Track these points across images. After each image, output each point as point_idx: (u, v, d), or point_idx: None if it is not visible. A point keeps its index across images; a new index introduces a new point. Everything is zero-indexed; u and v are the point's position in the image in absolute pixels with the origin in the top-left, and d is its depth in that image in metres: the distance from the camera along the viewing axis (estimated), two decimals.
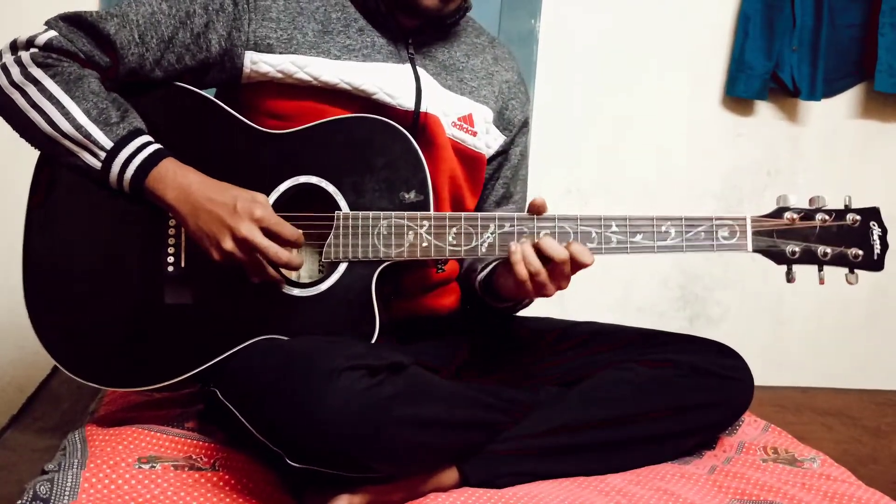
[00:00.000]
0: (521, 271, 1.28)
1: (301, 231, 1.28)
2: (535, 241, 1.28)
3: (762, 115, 2.67)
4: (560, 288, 1.31)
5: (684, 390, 1.39)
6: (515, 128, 1.59)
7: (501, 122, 1.57)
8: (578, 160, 2.60)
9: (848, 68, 2.66)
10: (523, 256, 1.28)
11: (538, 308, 1.57)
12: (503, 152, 1.59)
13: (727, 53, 2.60)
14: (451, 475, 1.28)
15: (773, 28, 2.54)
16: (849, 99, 2.71)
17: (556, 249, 1.26)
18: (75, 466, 1.21)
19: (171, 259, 1.33)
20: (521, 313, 1.59)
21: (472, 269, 1.53)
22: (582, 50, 2.57)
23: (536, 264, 1.28)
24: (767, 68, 2.55)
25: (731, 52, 2.59)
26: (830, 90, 2.66)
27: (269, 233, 1.26)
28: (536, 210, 1.31)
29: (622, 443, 1.36)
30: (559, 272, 1.28)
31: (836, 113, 2.70)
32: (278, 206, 1.32)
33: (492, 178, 1.59)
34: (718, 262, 2.67)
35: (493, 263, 1.46)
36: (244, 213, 1.25)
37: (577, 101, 2.58)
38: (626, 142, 2.62)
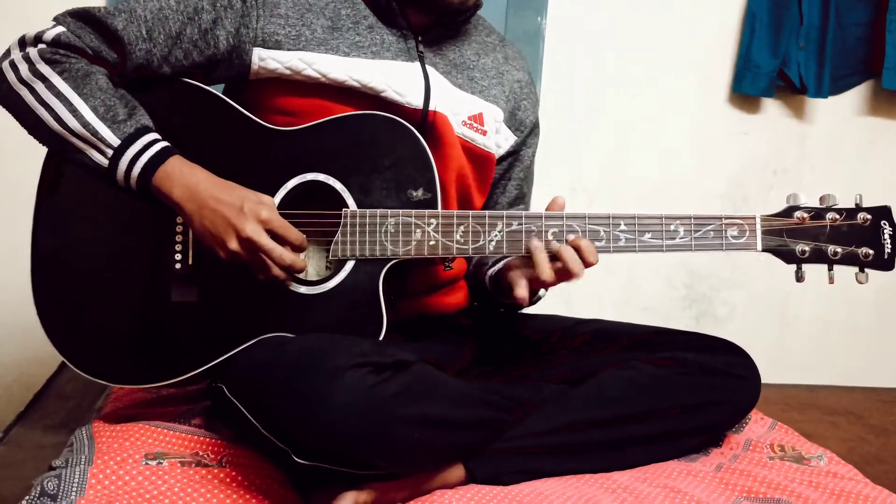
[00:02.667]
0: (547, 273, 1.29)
1: (305, 236, 1.28)
2: (557, 246, 1.29)
3: (769, 113, 2.66)
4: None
5: (690, 389, 1.38)
6: (527, 128, 1.58)
7: (513, 122, 1.56)
8: (584, 158, 2.59)
9: (855, 66, 2.66)
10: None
11: (544, 306, 1.57)
12: (514, 153, 1.58)
13: (734, 51, 2.60)
14: (458, 472, 1.28)
15: (780, 26, 2.53)
16: (856, 96, 2.70)
17: (575, 264, 1.28)
18: (83, 463, 1.21)
19: (178, 256, 1.33)
20: (527, 311, 1.58)
21: (482, 264, 1.53)
22: (588, 48, 2.56)
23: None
24: (774, 66, 2.54)
25: (738, 50, 2.58)
26: (837, 88, 2.65)
27: (274, 235, 1.26)
28: (557, 208, 1.32)
29: (628, 441, 1.36)
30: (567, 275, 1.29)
31: (844, 110, 2.69)
32: (285, 204, 1.32)
33: (503, 179, 1.59)
34: (725, 262, 2.66)
35: (503, 259, 1.45)
36: (250, 214, 1.25)
37: (582, 98, 2.57)
38: (632, 140, 2.61)
